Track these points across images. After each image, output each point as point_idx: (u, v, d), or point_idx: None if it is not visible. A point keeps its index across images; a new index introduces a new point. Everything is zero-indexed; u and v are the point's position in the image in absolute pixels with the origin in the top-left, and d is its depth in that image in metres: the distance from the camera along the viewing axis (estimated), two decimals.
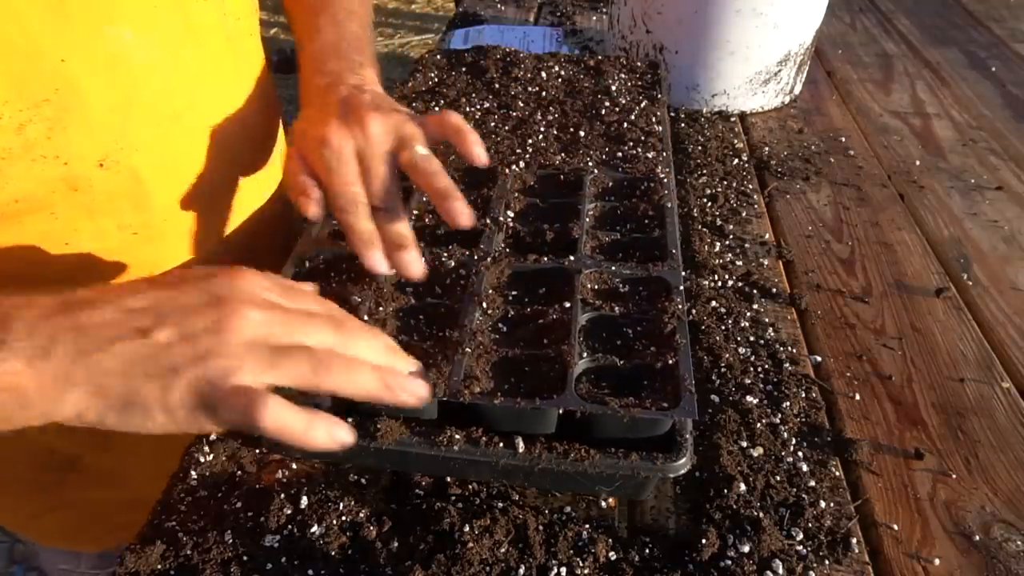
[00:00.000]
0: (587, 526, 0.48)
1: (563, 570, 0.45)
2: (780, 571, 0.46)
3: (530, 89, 0.87)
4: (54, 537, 0.71)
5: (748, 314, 0.68)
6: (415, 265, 0.51)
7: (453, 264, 0.59)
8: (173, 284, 0.39)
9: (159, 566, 0.45)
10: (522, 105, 0.84)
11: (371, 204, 0.51)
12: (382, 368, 0.41)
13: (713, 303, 0.68)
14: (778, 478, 0.52)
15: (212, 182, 0.60)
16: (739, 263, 0.75)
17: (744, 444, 0.54)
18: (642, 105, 0.85)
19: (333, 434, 0.39)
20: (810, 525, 0.49)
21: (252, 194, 0.67)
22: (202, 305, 0.38)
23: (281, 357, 0.38)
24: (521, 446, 0.46)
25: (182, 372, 0.36)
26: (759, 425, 0.56)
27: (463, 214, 0.50)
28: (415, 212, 0.65)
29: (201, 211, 0.61)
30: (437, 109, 0.70)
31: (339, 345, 0.41)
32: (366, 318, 0.52)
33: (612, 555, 0.46)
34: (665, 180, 0.70)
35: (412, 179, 0.52)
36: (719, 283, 0.71)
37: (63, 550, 0.75)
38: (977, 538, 0.50)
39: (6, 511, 0.68)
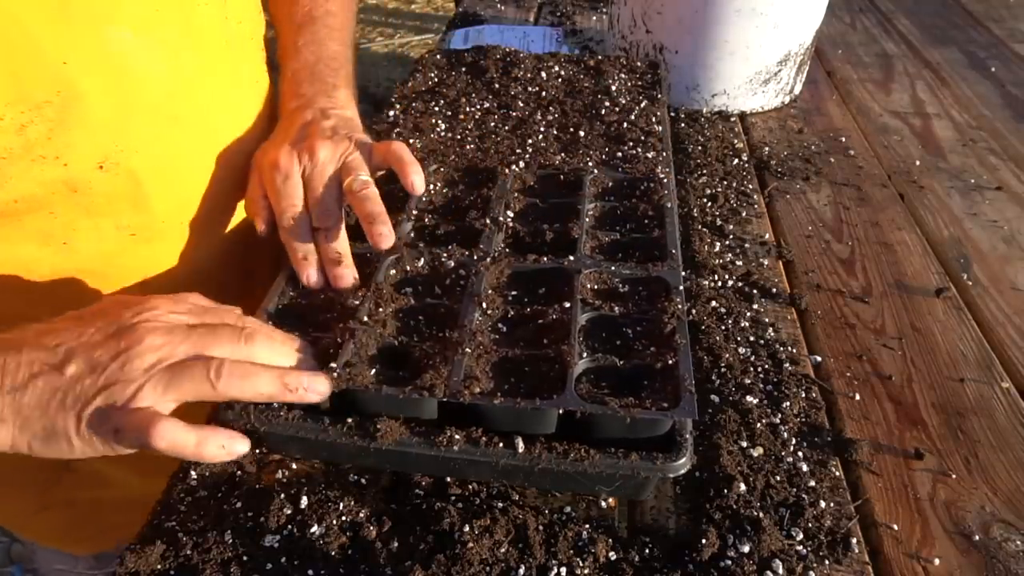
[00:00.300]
0: (587, 526, 0.48)
1: (563, 570, 0.45)
2: (780, 571, 0.46)
3: (530, 89, 0.87)
4: (49, 536, 0.71)
5: (748, 314, 0.68)
6: (346, 279, 0.56)
7: (453, 264, 0.59)
8: (86, 320, 0.43)
9: (159, 566, 0.45)
10: (522, 105, 0.84)
11: (312, 224, 0.56)
12: (282, 370, 0.45)
13: (713, 303, 0.68)
14: (778, 478, 0.52)
15: (211, 185, 0.61)
16: (739, 263, 0.75)
17: (744, 444, 0.54)
18: (642, 105, 0.85)
19: (229, 447, 0.43)
20: (810, 525, 0.49)
21: None
22: (108, 338, 0.42)
23: (178, 375, 0.41)
24: (521, 446, 0.46)
25: (89, 402, 0.40)
26: (759, 425, 0.56)
27: (384, 237, 0.54)
28: (415, 212, 0.65)
29: (199, 213, 0.61)
30: (394, 136, 0.74)
31: (238, 353, 0.44)
32: (366, 319, 0.52)
33: (612, 555, 0.46)
34: (665, 180, 0.70)
35: (349, 201, 0.57)
36: (719, 283, 0.71)
37: (58, 553, 0.75)
38: (977, 538, 0.50)
39: (2, 508, 0.68)
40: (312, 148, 0.57)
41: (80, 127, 0.50)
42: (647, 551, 0.47)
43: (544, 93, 0.87)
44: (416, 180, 0.58)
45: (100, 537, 0.71)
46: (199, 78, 0.57)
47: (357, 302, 0.54)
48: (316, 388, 0.45)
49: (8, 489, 0.65)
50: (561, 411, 0.46)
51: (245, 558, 0.45)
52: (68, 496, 0.66)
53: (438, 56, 0.97)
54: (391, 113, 0.82)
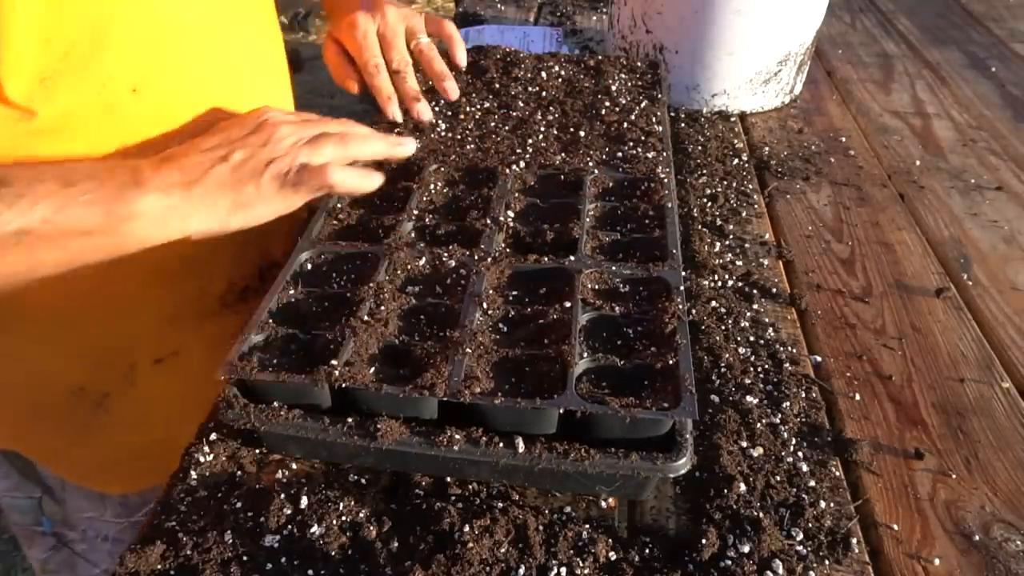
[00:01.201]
0: (587, 526, 0.48)
1: (563, 570, 0.45)
2: (780, 571, 0.46)
3: (530, 89, 0.87)
4: (81, 473, 0.74)
5: (748, 314, 0.68)
6: (427, 112, 0.74)
7: (453, 264, 0.59)
8: (225, 128, 0.56)
9: (159, 566, 0.45)
10: (522, 105, 0.84)
11: (390, 69, 0.72)
12: (385, 137, 0.64)
13: (713, 303, 0.68)
14: (778, 478, 0.52)
15: (234, 112, 0.66)
16: (739, 263, 0.75)
17: (744, 444, 0.54)
18: (642, 105, 0.85)
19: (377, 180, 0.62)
20: (810, 525, 0.49)
21: None
22: (250, 134, 0.55)
23: (317, 146, 0.56)
24: (521, 446, 0.46)
25: (262, 173, 0.53)
26: (759, 425, 0.56)
27: (451, 90, 0.76)
28: (415, 212, 0.65)
29: None
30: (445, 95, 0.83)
31: (348, 134, 0.60)
32: (367, 318, 0.52)
33: (612, 555, 0.46)
34: (665, 180, 0.70)
35: (416, 59, 0.75)
36: (719, 283, 0.71)
37: (88, 497, 0.77)
38: (977, 538, 0.50)
39: (39, 442, 0.71)
40: (382, 10, 0.73)
41: (116, 53, 0.54)
42: (647, 551, 0.47)
43: (544, 93, 0.87)
44: (461, 56, 0.78)
45: (131, 479, 0.75)
46: (220, 19, 0.63)
47: (359, 299, 0.54)
48: (409, 145, 0.65)
49: (46, 424, 0.69)
50: (561, 411, 0.46)
51: (245, 558, 0.45)
52: (103, 436, 0.70)
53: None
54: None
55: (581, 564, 0.45)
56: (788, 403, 0.58)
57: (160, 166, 0.51)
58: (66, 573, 0.87)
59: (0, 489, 0.80)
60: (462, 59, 0.79)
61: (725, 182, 0.89)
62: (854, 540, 0.49)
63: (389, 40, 0.72)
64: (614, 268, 0.58)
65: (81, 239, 0.47)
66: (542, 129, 0.80)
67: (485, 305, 0.55)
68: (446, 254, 0.59)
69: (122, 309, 0.64)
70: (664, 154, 0.74)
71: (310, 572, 0.45)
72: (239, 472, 0.51)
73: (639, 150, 0.75)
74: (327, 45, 0.75)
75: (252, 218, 0.54)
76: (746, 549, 0.47)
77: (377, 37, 0.72)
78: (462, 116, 0.81)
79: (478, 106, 0.84)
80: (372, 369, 0.49)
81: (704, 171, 0.90)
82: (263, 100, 0.65)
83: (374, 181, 0.62)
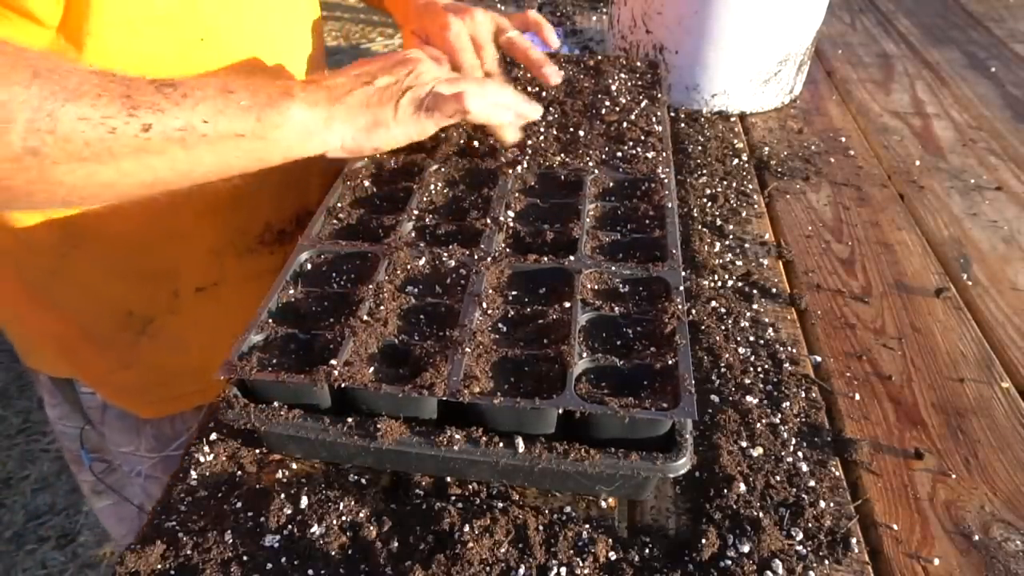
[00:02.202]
0: (587, 526, 0.48)
1: (563, 570, 0.45)
2: (780, 571, 0.46)
3: (530, 89, 0.87)
4: (122, 395, 0.78)
5: (748, 314, 0.68)
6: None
7: (453, 264, 0.59)
8: (370, 61, 0.61)
9: (159, 566, 0.45)
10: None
11: (483, 71, 0.74)
12: (518, 94, 0.69)
13: (713, 303, 0.68)
14: (778, 478, 0.52)
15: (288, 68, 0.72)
16: (739, 263, 0.75)
17: (744, 444, 0.54)
18: (642, 105, 0.85)
19: (525, 114, 0.69)
20: (810, 525, 0.49)
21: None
22: (396, 64, 0.60)
23: (454, 81, 0.61)
24: (521, 446, 0.46)
25: (401, 96, 0.58)
26: (759, 425, 0.56)
27: (553, 74, 0.78)
28: (416, 212, 0.65)
29: None
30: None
31: (487, 81, 0.68)
32: (366, 317, 0.52)
33: (612, 555, 0.46)
34: (665, 180, 0.70)
35: (510, 54, 0.78)
36: (719, 283, 0.71)
37: (125, 429, 0.82)
38: (977, 538, 0.50)
39: (87, 364, 0.76)
40: (470, 12, 0.74)
41: (188, 6, 0.60)
42: (647, 551, 0.47)
43: (544, 93, 0.87)
44: (552, 38, 0.80)
45: (170, 402, 0.79)
46: None
47: (359, 299, 0.54)
48: (538, 109, 0.70)
49: (94, 348, 0.74)
50: (561, 411, 0.46)
51: (245, 558, 0.45)
52: (146, 359, 0.74)
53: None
54: None
55: (581, 564, 0.45)
56: (788, 403, 0.58)
57: (307, 85, 0.56)
58: (113, 495, 0.94)
59: (54, 415, 0.87)
60: (554, 40, 0.81)
61: (725, 182, 0.89)
62: (854, 540, 0.49)
63: (480, 42, 0.74)
64: (614, 268, 0.58)
65: (235, 142, 0.51)
66: (542, 129, 0.80)
67: (485, 305, 0.55)
68: (446, 254, 0.60)
69: (174, 238, 0.70)
70: (664, 154, 0.74)
71: (310, 572, 0.45)
72: (239, 472, 0.51)
73: (639, 150, 0.75)
74: (409, 41, 0.77)
75: (387, 139, 0.59)
76: (746, 549, 0.47)
77: (470, 39, 0.73)
78: None
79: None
80: (372, 369, 0.49)
81: (704, 171, 0.91)
82: (302, 52, 0.74)
83: (507, 114, 0.66)
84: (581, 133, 0.79)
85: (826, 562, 0.47)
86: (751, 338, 0.65)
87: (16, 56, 0.43)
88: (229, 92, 0.50)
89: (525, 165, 0.72)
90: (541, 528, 0.47)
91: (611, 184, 0.71)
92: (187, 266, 0.72)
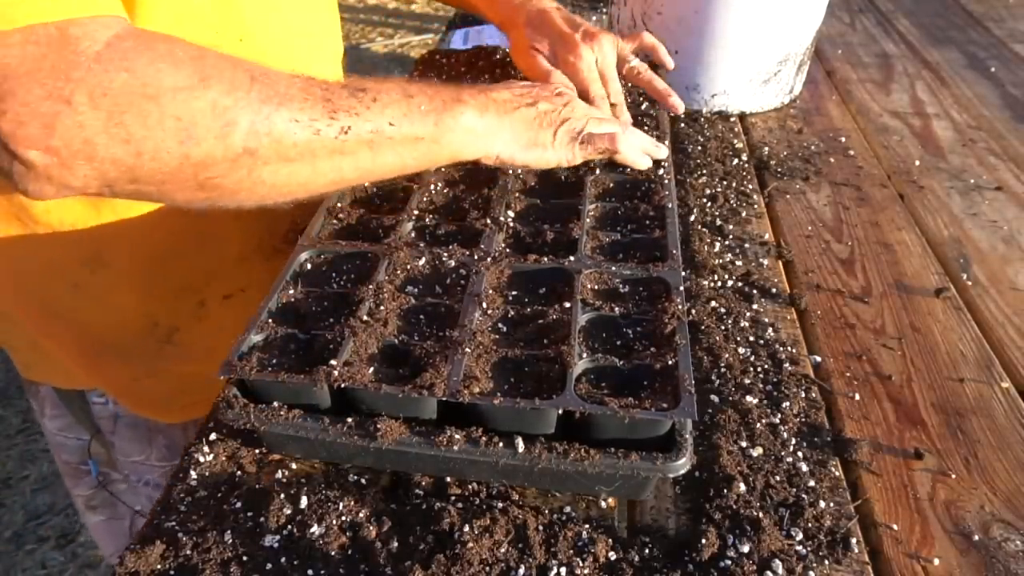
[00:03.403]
0: (587, 526, 0.48)
1: (563, 570, 0.45)
2: (780, 571, 0.46)
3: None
4: (145, 403, 0.78)
5: (748, 314, 0.68)
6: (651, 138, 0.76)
7: (453, 264, 0.59)
8: (532, 85, 0.66)
9: (159, 566, 0.45)
10: None
11: (609, 100, 0.75)
12: (650, 138, 0.72)
13: (713, 303, 0.68)
14: (778, 478, 0.52)
15: (311, 70, 0.74)
16: (739, 263, 0.75)
17: (744, 444, 0.54)
18: (642, 106, 0.85)
19: (655, 154, 0.72)
20: (810, 525, 0.49)
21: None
22: (554, 94, 0.65)
23: (602, 122, 0.67)
24: (521, 446, 0.46)
25: (560, 126, 0.63)
26: (759, 425, 0.56)
27: (679, 105, 0.79)
28: (416, 212, 0.65)
29: None
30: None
31: (627, 124, 0.73)
32: (366, 317, 0.52)
33: (612, 555, 0.46)
34: (665, 180, 0.70)
35: (634, 82, 0.81)
36: (719, 283, 0.71)
37: (136, 439, 0.83)
38: (976, 538, 0.50)
39: (109, 374, 0.75)
40: (599, 40, 0.76)
41: (227, 7, 0.62)
42: (647, 551, 0.47)
43: None
44: (667, 59, 0.83)
45: (191, 408, 0.79)
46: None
47: (359, 298, 0.54)
48: (665, 151, 0.72)
49: (117, 359, 0.74)
50: (561, 411, 0.46)
51: (245, 558, 0.45)
52: (170, 367, 0.75)
53: (438, 56, 0.97)
54: None
55: (581, 564, 0.45)
56: (788, 403, 0.58)
57: (477, 94, 0.59)
58: (108, 510, 0.93)
59: (54, 427, 0.86)
60: (669, 62, 0.83)
61: (725, 182, 0.89)
62: (854, 540, 0.49)
63: (606, 74, 0.76)
64: (614, 268, 0.58)
65: (413, 145, 0.54)
66: None
67: (485, 305, 0.55)
68: (446, 254, 0.60)
69: (206, 245, 0.70)
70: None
71: (310, 572, 0.45)
72: (239, 472, 0.51)
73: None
74: (526, 57, 0.78)
75: (539, 159, 0.63)
76: (746, 549, 0.47)
77: (596, 68, 0.75)
78: None
79: None
80: (371, 369, 0.49)
81: (704, 171, 0.91)
82: (329, 56, 0.77)
83: (647, 161, 0.71)
84: None
85: (826, 562, 0.47)
86: (751, 338, 0.65)
87: (235, 63, 0.47)
88: (410, 96, 0.54)
89: None
90: (541, 528, 0.47)
91: (611, 184, 0.71)
92: (216, 275, 0.73)
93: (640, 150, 0.69)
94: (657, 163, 0.73)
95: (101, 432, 0.83)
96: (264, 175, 0.48)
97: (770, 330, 0.66)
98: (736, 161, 0.94)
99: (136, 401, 0.79)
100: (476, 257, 0.59)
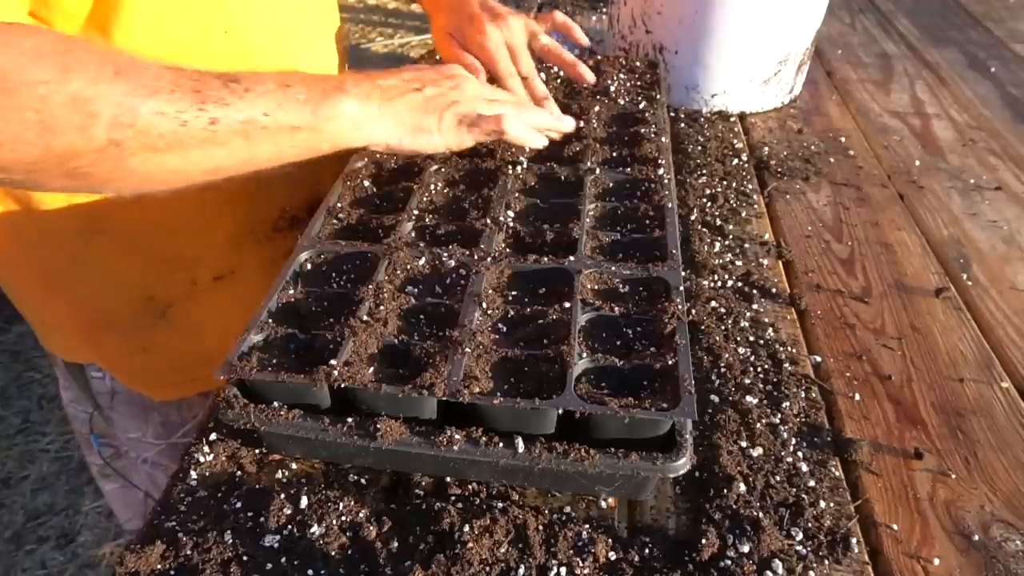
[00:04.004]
0: (587, 526, 0.48)
1: (563, 570, 0.45)
2: (780, 571, 0.46)
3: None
4: (138, 377, 0.80)
5: (748, 314, 0.68)
6: (556, 111, 0.77)
7: (453, 264, 0.59)
8: (420, 69, 0.66)
9: (159, 566, 0.45)
10: None
11: (520, 76, 0.77)
12: (552, 113, 0.74)
13: (713, 303, 0.68)
14: (778, 478, 0.52)
15: (303, 65, 0.73)
16: (739, 263, 0.75)
17: (744, 444, 0.54)
18: (641, 105, 0.85)
19: (556, 127, 0.73)
20: (810, 525, 0.49)
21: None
22: (443, 77, 0.65)
23: (494, 102, 0.66)
24: (521, 446, 0.46)
25: (446, 108, 0.62)
26: (759, 425, 0.56)
27: (586, 73, 0.82)
28: (416, 212, 0.65)
29: None
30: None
31: (522, 101, 0.72)
32: (366, 317, 0.52)
33: (612, 555, 0.46)
34: (665, 180, 0.70)
35: (546, 59, 0.83)
36: (719, 283, 0.71)
37: (133, 415, 0.85)
38: (976, 538, 0.50)
39: (105, 347, 0.78)
40: (506, 20, 0.77)
41: (215, 1, 0.62)
42: (647, 551, 0.47)
43: None
44: (582, 36, 0.85)
45: (183, 385, 0.82)
46: None
47: (359, 298, 0.54)
48: (570, 122, 0.74)
49: (112, 332, 0.76)
50: (561, 411, 0.46)
51: (245, 558, 0.45)
52: (163, 343, 0.77)
53: (438, 56, 0.97)
54: None
55: (581, 564, 0.45)
56: (788, 403, 0.58)
57: (360, 80, 0.59)
58: (119, 480, 0.97)
59: (67, 398, 0.90)
60: (583, 39, 0.86)
61: (725, 182, 0.89)
62: (854, 540, 0.49)
63: (516, 51, 0.78)
64: (614, 268, 0.58)
65: (291, 134, 0.54)
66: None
67: (485, 305, 0.55)
68: (446, 254, 0.60)
69: (195, 226, 0.72)
70: (664, 154, 0.74)
71: (310, 572, 0.45)
72: (239, 472, 0.51)
73: (638, 150, 0.75)
74: (443, 41, 0.80)
75: (426, 144, 0.62)
76: (746, 549, 0.47)
77: (505, 46, 0.77)
78: None
79: None
80: (371, 369, 0.49)
81: (704, 171, 0.91)
82: (322, 51, 0.78)
83: (541, 139, 0.70)
84: (580, 133, 0.79)
85: (826, 562, 0.47)
86: (751, 338, 0.65)
87: (101, 55, 0.47)
88: (287, 86, 0.54)
89: (525, 165, 0.72)
90: (541, 528, 0.47)
91: (611, 184, 0.71)
92: (206, 255, 0.75)
93: (532, 128, 0.69)
94: (657, 163, 0.73)
95: (100, 407, 0.85)
96: (134, 164, 0.49)
97: (770, 330, 0.66)
98: (736, 161, 0.94)
99: (130, 375, 0.80)
100: (476, 257, 0.59)
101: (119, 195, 0.53)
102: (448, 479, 0.51)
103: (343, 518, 0.48)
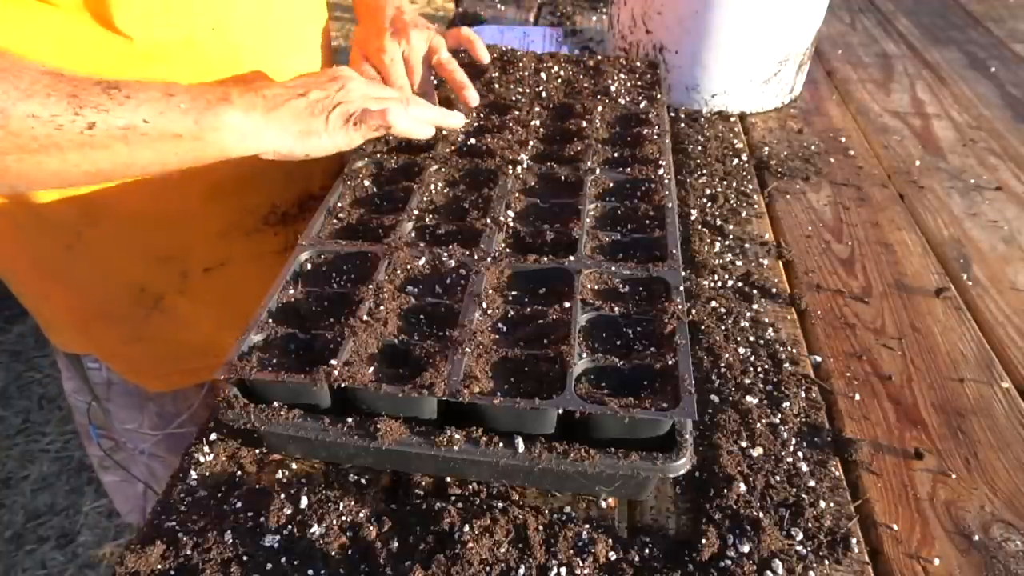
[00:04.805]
0: (587, 526, 0.48)
1: (563, 570, 0.45)
2: (780, 571, 0.46)
3: (529, 89, 0.87)
4: (132, 368, 0.82)
5: (748, 314, 0.68)
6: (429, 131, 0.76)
7: (453, 264, 0.59)
8: (305, 76, 0.65)
9: (159, 566, 0.45)
10: (522, 105, 0.84)
11: (415, 91, 0.78)
12: (440, 108, 0.74)
13: (713, 303, 0.68)
14: (778, 478, 0.52)
15: (289, 64, 0.76)
16: (739, 263, 0.75)
17: (744, 444, 0.54)
18: (641, 105, 0.85)
19: (446, 123, 0.73)
20: (810, 525, 0.49)
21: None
22: (328, 80, 0.64)
23: (381, 99, 0.65)
24: (521, 446, 0.46)
25: (331, 110, 0.62)
26: (759, 425, 0.56)
27: (473, 98, 0.81)
28: (416, 212, 0.65)
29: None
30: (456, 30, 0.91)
31: (410, 98, 0.71)
32: (366, 317, 0.52)
33: (612, 555, 0.46)
34: (665, 180, 0.69)
35: (439, 74, 0.82)
36: (719, 283, 0.71)
37: (129, 406, 0.87)
38: (977, 538, 0.50)
39: (100, 337, 0.79)
40: (407, 34, 0.78)
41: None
42: (647, 551, 0.47)
43: (544, 93, 0.87)
44: (484, 54, 0.87)
45: (176, 376, 0.84)
46: None
47: (359, 298, 0.54)
48: (459, 118, 0.74)
49: (107, 322, 0.77)
50: (561, 411, 0.46)
51: (245, 558, 0.45)
52: (155, 334, 0.78)
53: None
54: None
55: (581, 564, 0.45)
56: (788, 403, 0.58)
57: (245, 91, 0.59)
58: (121, 471, 0.98)
59: (68, 388, 0.92)
60: (484, 56, 0.87)
61: (725, 182, 0.89)
62: (854, 540, 0.49)
63: (412, 65, 0.79)
64: (614, 268, 0.58)
65: (173, 142, 0.55)
66: (542, 129, 0.80)
67: (485, 305, 0.55)
68: (446, 254, 0.59)
69: (184, 219, 0.73)
70: (664, 154, 0.74)
71: (310, 572, 0.45)
72: (239, 472, 0.51)
73: (639, 150, 0.75)
74: (356, 55, 0.81)
75: (316, 147, 0.62)
76: (746, 549, 0.47)
77: (402, 61, 0.78)
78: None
79: (478, 106, 0.84)
80: (371, 369, 0.49)
81: (704, 171, 0.90)
82: (308, 50, 0.79)
83: (428, 130, 0.70)
84: (581, 133, 0.79)
85: (826, 562, 0.47)
86: (751, 338, 0.65)
87: None
88: (170, 95, 0.54)
89: (525, 165, 0.72)
90: (541, 528, 0.47)
91: (611, 184, 0.71)
92: (196, 247, 0.76)
93: (419, 121, 0.69)
94: (657, 163, 0.73)
95: (98, 398, 0.87)
96: (8, 163, 0.50)
97: (770, 330, 0.66)
98: (736, 161, 0.94)
99: (125, 366, 0.82)
100: (476, 257, 0.59)
101: (4, 192, 0.55)
102: (448, 479, 0.51)
103: (343, 518, 0.48)
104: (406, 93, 0.76)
